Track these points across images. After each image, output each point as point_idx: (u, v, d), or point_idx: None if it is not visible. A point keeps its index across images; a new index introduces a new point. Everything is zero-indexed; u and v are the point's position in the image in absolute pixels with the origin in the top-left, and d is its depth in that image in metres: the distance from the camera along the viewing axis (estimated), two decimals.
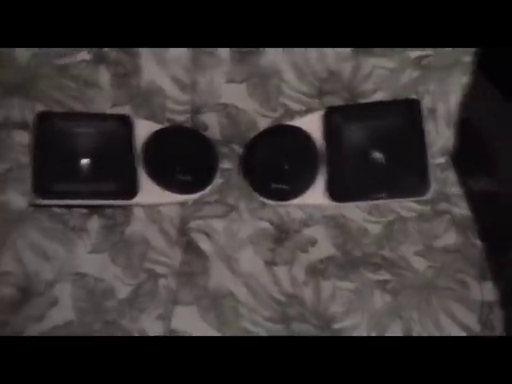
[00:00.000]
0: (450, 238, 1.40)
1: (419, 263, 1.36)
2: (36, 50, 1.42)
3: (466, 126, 1.50)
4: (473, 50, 1.45)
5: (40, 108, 1.47)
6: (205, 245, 1.37)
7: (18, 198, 1.39)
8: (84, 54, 1.44)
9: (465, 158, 1.51)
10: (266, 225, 1.41)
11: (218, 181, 1.48)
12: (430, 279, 1.33)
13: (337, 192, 1.44)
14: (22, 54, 1.43)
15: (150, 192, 1.43)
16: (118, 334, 1.24)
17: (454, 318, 1.28)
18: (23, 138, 1.47)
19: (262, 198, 1.45)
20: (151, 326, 1.26)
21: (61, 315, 1.25)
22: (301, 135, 1.48)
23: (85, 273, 1.30)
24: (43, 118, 1.44)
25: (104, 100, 1.48)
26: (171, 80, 1.47)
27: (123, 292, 1.29)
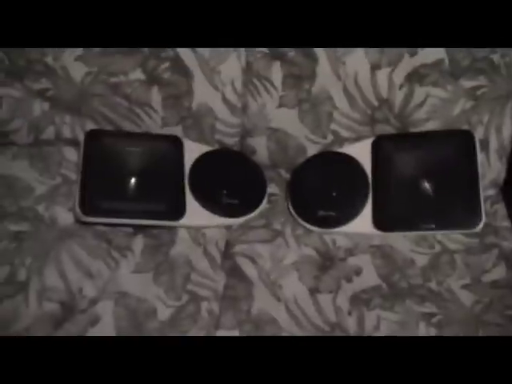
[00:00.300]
0: (500, 273, 1.36)
1: (466, 297, 1.33)
2: (90, 68, 1.44)
3: None
4: None
5: (91, 126, 1.49)
6: (249, 269, 1.36)
7: (65, 214, 1.40)
8: (138, 73, 1.45)
9: None
10: (311, 252, 1.40)
11: (264, 205, 1.48)
12: (477, 314, 1.30)
13: (383, 221, 1.42)
14: (77, 71, 1.44)
15: (196, 214, 1.42)
16: None
17: None
18: (73, 154, 1.49)
19: (308, 225, 1.43)
20: None
21: (102, 333, 1.24)
22: (350, 162, 1.47)
23: (127, 292, 1.30)
24: (93, 135, 1.45)
25: (155, 120, 1.49)
26: (222, 102, 1.47)
27: (165, 313, 1.28)
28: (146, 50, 1.43)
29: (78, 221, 1.39)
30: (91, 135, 1.45)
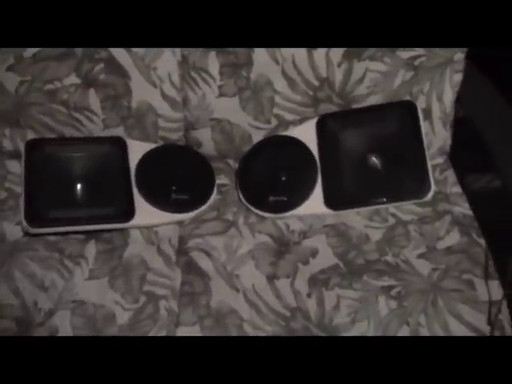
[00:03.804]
0: (454, 239, 1.37)
1: (423, 266, 1.33)
2: (23, 77, 1.41)
3: (462, 125, 1.48)
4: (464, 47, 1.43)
5: (32, 136, 1.47)
6: (205, 263, 1.36)
7: (14, 229, 1.38)
8: (73, 78, 1.43)
9: (463, 156, 1.50)
10: (265, 238, 1.39)
11: (214, 197, 1.47)
12: (435, 282, 1.30)
13: (334, 200, 1.42)
14: (10, 81, 1.42)
15: (146, 213, 1.41)
16: None
17: (462, 321, 1.25)
18: (16, 167, 1.47)
19: (260, 212, 1.43)
20: None
21: None
22: (296, 145, 1.47)
23: (83, 300, 1.29)
24: (33, 145, 1.43)
25: (96, 123, 1.47)
26: (162, 98, 1.46)
27: (124, 317, 1.27)
28: (78, 53, 1.41)
29: (26, 233, 1.37)
30: (31, 145, 1.43)
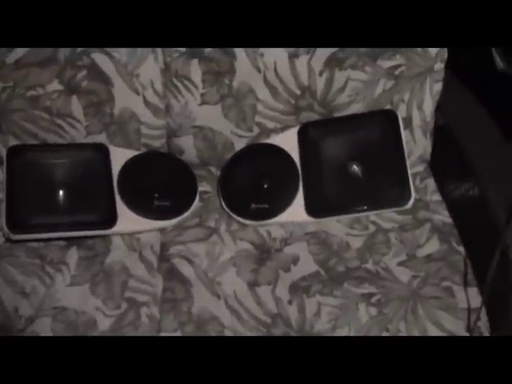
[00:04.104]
0: (433, 247, 1.39)
1: (403, 274, 1.34)
2: (5, 83, 1.41)
3: (441, 134, 1.50)
4: (444, 57, 1.45)
5: (13, 142, 1.46)
6: (186, 270, 1.36)
7: None
8: (55, 85, 1.42)
9: (443, 165, 1.51)
10: (247, 246, 1.40)
11: (196, 205, 1.47)
12: (415, 289, 1.32)
13: (316, 208, 1.43)
14: None
15: (128, 220, 1.41)
16: None
17: (441, 328, 1.27)
18: None
19: (242, 219, 1.43)
20: None
21: None
22: (278, 153, 1.48)
23: (65, 306, 1.29)
24: (15, 151, 1.43)
25: (78, 130, 1.47)
26: (144, 105, 1.46)
27: (105, 323, 1.28)
28: (61, 60, 1.41)
29: (8, 240, 1.37)
30: (13, 151, 1.43)
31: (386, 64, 1.45)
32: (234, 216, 1.44)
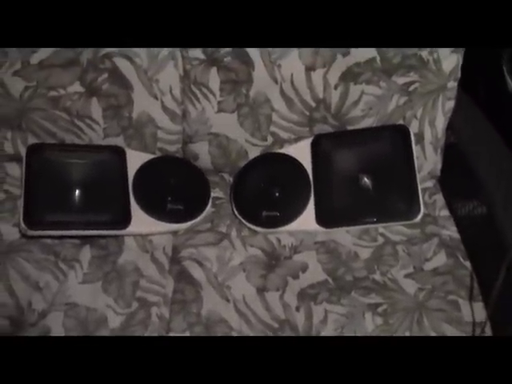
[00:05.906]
0: (440, 260, 1.41)
1: (410, 286, 1.36)
2: (28, 82, 1.43)
3: (452, 151, 1.52)
4: (457, 75, 1.48)
5: (33, 140, 1.49)
6: (197, 273, 1.38)
7: (11, 230, 1.40)
8: (76, 86, 1.45)
9: (452, 181, 1.53)
10: (257, 252, 1.42)
11: (209, 210, 1.50)
12: (421, 301, 1.34)
13: (326, 218, 1.45)
14: (15, 86, 1.44)
15: (141, 222, 1.44)
16: None
17: None
18: (16, 170, 1.50)
19: (253, 226, 1.46)
20: None
21: None
22: (290, 163, 1.50)
23: (76, 302, 1.31)
24: (35, 149, 1.45)
25: (96, 131, 1.49)
26: (162, 110, 1.49)
27: (116, 321, 1.29)
28: (83, 62, 1.43)
29: (23, 235, 1.39)
30: (33, 149, 1.45)
31: (401, 80, 1.47)
32: (246, 223, 1.47)
